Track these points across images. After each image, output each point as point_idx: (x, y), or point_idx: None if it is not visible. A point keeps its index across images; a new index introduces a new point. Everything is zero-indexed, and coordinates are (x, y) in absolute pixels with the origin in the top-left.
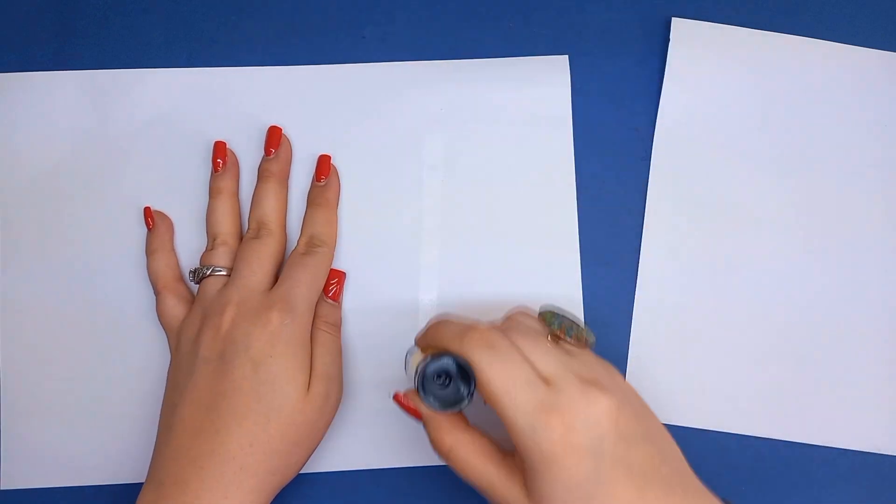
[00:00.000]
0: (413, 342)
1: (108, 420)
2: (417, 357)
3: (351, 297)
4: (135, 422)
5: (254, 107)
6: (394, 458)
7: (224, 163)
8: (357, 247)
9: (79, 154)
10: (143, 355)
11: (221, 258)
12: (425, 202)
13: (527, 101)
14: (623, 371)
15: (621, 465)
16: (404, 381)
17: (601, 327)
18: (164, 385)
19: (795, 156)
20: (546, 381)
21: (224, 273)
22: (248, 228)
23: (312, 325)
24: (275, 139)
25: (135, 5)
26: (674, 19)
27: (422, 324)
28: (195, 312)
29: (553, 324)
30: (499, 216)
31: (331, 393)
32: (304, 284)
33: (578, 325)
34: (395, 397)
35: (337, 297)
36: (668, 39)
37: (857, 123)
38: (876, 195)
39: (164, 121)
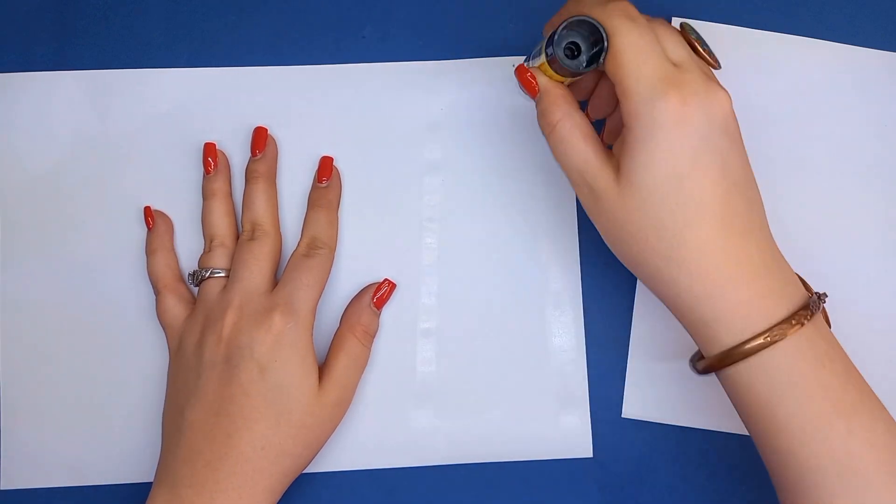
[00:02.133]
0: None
1: (108, 420)
2: (547, 33)
3: (351, 298)
4: (135, 422)
5: (254, 107)
6: (394, 458)
7: (215, 164)
8: (357, 247)
9: (79, 154)
10: (143, 355)
11: (220, 260)
12: (425, 202)
13: (527, 100)
14: (623, 371)
15: (719, 158)
16: (400, 387)
17: (601, 327)
18: (165, 385)
19: (795, 155)
20: (674, 64)
21: (223, 275)
22: (243, 230)
23: (348, 330)
24: (261, 140)
25: (135, 5)
26: (674, 19)
27: (422, 324)
28: (197, 315)
29: (692, 34)
30: (499, 216)
31: (343, 401)
32: (306, 286)
33: (712, 50)
34: (519, 68)
35: (381, 305)
36: None
37: (857, 123)
38: (876, 195)
39: (165, 121)
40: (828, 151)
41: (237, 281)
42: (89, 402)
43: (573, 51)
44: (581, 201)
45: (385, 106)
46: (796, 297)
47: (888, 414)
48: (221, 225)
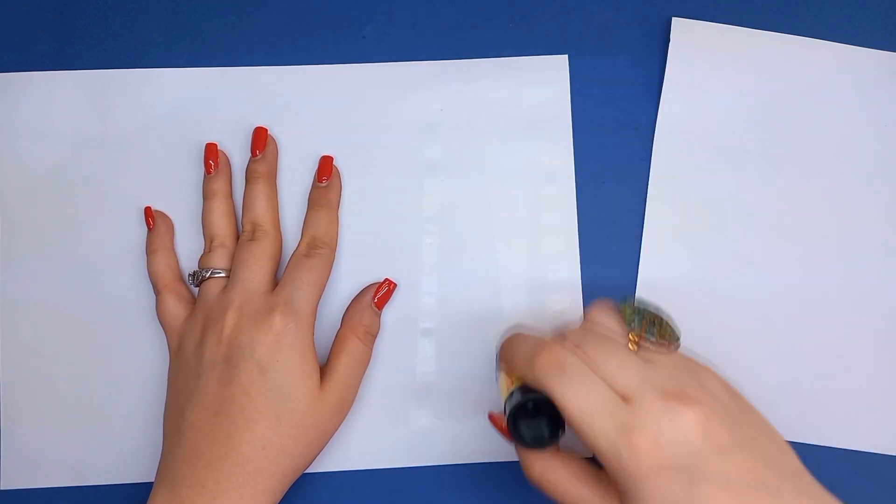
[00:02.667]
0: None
1: (108, 420)
2: (504, 380)
3: (351, 298)
4: (135, 422)
5: (254, 106)
6: (394, 458)
7: (216, 164)
8: (357, 247)
9: (79, 154)
10: (143, 355)
11: (220, 260)
12: (425, 202)
13: (526, 101)
14: None
15: (717, 479)
16: (400, 387)
17: None
18: (165, 385)
19: (795, 155)
20: (625, 398)
21: (223, 275)
22: (243, 230)
23: (350, 330)
24: (261, 140)
25: (135, 5)
26: (674, 19)
27: (422, 324)
28: (197, 315)
29: (633, 323)
30: (499, 216)
31: (345, 401)
32: (306, 286)
33: (661, 322)
34: (490, 417)
35: (381, 305)
36: (668, 39)
37: (857, 123)
38: (876, 195)
39: (165, 121)
40: (828, 151)
41: (237, 281)
42: (89, 402)
43: (534, 411)
44: None
45: (385, 106)
46: None
47: None
48: (222, 225)
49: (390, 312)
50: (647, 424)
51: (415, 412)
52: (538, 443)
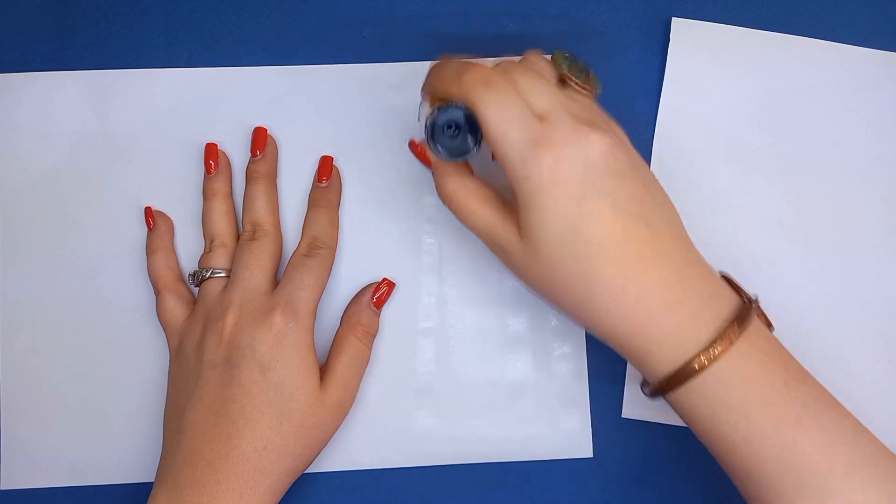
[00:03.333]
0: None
1: (108, 420)
2: (426, 107)
3: (351, 298)
4: (135, 422)
5: (254, 107)
6: (394, 458)
7: (216, 164)
8: (357, 247)
9: (79, 154)
10: (144, 355)
11: (220, 260)
12: (425, 202)
13: None
14: (623, 371)
15: (607, 198)
16: (400, 387)
17: None
18: (165, 385)
19: (795, 155)
20: (540, 117)
21: (223, 275)
22: (243, 230)
23: (349, 330)
24: (261, 140)
25: (135, 5)
26: (674, 19)
27: (422, 324)
28: (197, 315)
29: (563, 66)
30: None
31: (345, 401)
32: (306, 286)
33: (588, 71)
34: (410, 143)
35: (381, 305)
36: (668, 39)
37: (856, 123)
38: (875, 195)
39: (165, 121)
40: (828, 151)
41: (238, 281)
42: (89, 402)
43: (454, 131)
44: (497, 257)
45: (385, 106)
46: (725, 311)
47: (838, 410)
48: (222, 225)
49: (390, 312)
50: (555, 140)
51: (415, 412)
52: (455, 152)
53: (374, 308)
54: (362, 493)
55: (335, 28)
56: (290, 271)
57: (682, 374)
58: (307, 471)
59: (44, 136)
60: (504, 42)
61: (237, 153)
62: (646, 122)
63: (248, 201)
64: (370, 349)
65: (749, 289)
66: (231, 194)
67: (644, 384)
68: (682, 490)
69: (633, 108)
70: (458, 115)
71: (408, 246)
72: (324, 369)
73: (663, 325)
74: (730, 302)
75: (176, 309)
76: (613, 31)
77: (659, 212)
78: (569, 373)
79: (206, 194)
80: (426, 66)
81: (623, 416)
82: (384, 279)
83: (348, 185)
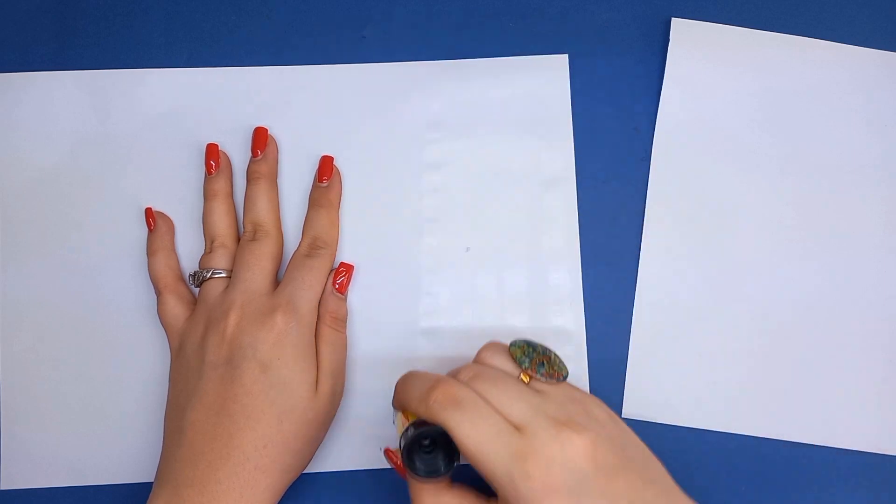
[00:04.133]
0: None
1: (108, 420)
2: (399, 419)
3: (351, 298)
4: (135, 422)
5: (254, 107)
6: None
7: (217, 165)
8: (357, 247)
9: (79, 154)
10: (144, 355)
11: (221, 260)
12: (425, 202)
13: (527, 100)
14: (623, 371)
15: (603, 498)
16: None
17: (601, 327)
18: (166, 385)
19: (795, 155)
20: (518, 428)
21: (224, 275)
22: (244, 231)
23: (318, 321)
24: (261, 140)
25: (135, 5)
26: (674, 19)
27: (422, 324)
28: (198, 316)
29: (523, 362)
30: (499, 215)
31: (337, 389)
32: (307, 286)
33: (550, 360)
34: (386, 453)
35: (344, 290)
36: (668, 39)
37: (857, 123)
38: (875, 195)
39: (165, 121)
40: (827, 151)
41: (239, 281)
42: (89, 402)
43: (429, 445)
44: None
45: (385, 106)
46: None
47: None
48: (222, 225)
49: (390, 312)
50: (539, 451)
51: None
52: (432, 474)
53: (338, 294)
54: (362, 493)
55: (335, 28)
56: (291, 271)
57: None
58: (307, 471)
59: (44, 136)
60: (504, 42)
61: (237, 153)
62: (646, 122)
63: (248, 201)
64: (344, 334)
65: (749, 288)
66: (232, 195)
67: None
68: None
69: (633, 108)
70: (430, 432)
71: (407, 246)
72: None
73: None
74: None
75: (176, 309)
76: (613, 31)
77: (653, 488)
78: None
79: (207, 195)
80: (426, 66)
81: (623, 416)
82: (342, 263)
83: (348, 185)
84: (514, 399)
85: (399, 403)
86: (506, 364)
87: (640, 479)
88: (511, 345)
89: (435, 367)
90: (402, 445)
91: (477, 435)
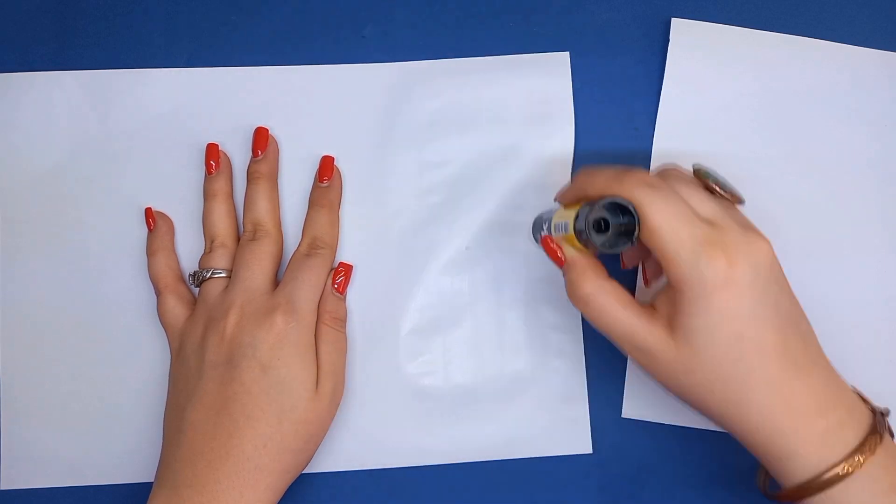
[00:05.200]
0: (553, 203)
1: (108, 420)
2: (563, 213)
3: (351, 298)
4: (135, 422)
5: (254, 107)
6: (394, 458)
7: (217, 165)
8: (357, 246)
9: (79, 154)
10: (144, 355)
11: (221, 260)
12: (425, 201)
13: (528, 98)
14: (623, 371)
15: (773, 306)
16: (400, 387)
17: None
18: (166, 385)
19: (795, 155)
20: (707, 221)
21: (224, 275)
22: (244, 231)
23: (318, 321)
24: (262, 140)
25: (135, 5)
26: (674, 19)
27: (422, 323)
28: (198, 316)
29: (708, 177)
30: (499, 215)
31: (337, 389)
32: (307, 286)
33: (727, 185)
34: (544, 239)
35: (343, 290)
36: (668, 39)
37: (856, 123)
38: (875, 194)
39: (165, 121)
40: (827, 151)
41: (239, 281)
42: (89, 402)
43: (601, 225)
44: (630, 357)
45: (385, 106)
46: (864, 422)
47: None
48: (222, 225)
49: (390, 312)
50: (727, 243)
51: (414, 411)
52: (612, 245)
53: (337, 294)
54: (362, 493)
55: (335, 28)
56: (291, 271)
57: (824, 480)
58: (307, 471)
59: (44, 135)
60: (505, 42)
61: (237, 153)
62: (646, 122)
63: (249, 201)
64: (344, 334)
65: None
66: (232, 195)
67: (768, 485)
68: (682, 490)
69: (633, 108)
70: (607, 210)
71: (408, 246)
72: None
73: (811, 428)
74: (867, 413)
75: (176, 309)
76: (613, 31)
77: (805, 324)
78: (567, 370)
79: (207, 195)
80: (426, 65)
81: (623, 415)
82: (341, 263)
83: (348, 185)
84: (704, 199)
85: (579, 189)
86: (693, 179)
87: (798, 308)
88: (694, 166)
89: (436, 367)
90: (577, 217)
91: (669, 214)
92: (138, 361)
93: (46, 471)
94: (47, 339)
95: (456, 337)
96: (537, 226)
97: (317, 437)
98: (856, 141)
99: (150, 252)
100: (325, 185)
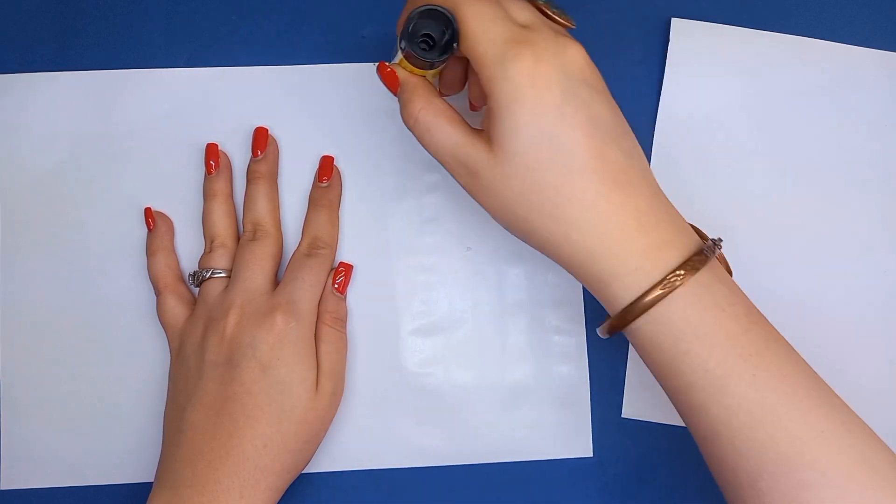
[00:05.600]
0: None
1: (108, 420)
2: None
3: (352, 298)
4: (135, 422)
5: (254, 106)
6: (394, 458)
7: (217, 165)
8: (357, 247)
9: (79, 154)
10: (144, 355)
11: (220, 260)
12: (425, 202)
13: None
14: (623, 371)
15: (584, 109)
16: (400, 388)
17: None
18: (166, 385)
19: (795, 155)
20: (521, 25)
21: (224, 275)
22: (244, 231)
23: (318, 321)
24: (261, 140)
25: (135, 5)
26: (674, 19)
27: (422, 323)
28: (198, 316)
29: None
30: None
31: (337, 389)
32: (307, 286)
33: (562, 10)
34: (380, 66)
35: (343, 290)
36: (668, 39)
37: (856, 123)
38: (874, 194)
39: (165, 121)
40: (827, 151)
41: (239, 281)
42: (89, 402)
43: (428, 43)
44: (461, 184)
45: (385, 106)
46: (690, 245)
47: (798, 356)
48: (222, 225)
49: (390, 312)
50: (535, 42)
51: (415, 412)
52: (431, 57)
53: (338, 294)
54: (362, 493)
55: (335, 28)
56: (291, 271)
57: (647, 301)
58: (307, 471)
59: (44, 136)
60: None
61: (237, 153)
62: (646, 122)
63: (248, 201)
64: (345, 334)
65: (748, 287)
66: (232, 195)
67: (602, 323)
68: (682, 490)
69: (633, 108)
70: (438, 21)
71: (408, 246)
72: None
73: (631, 245)
74: (695, 238)
75: (176, 309)
76: (613, 31)
77: (630, 141)
78: (569, 373)
79: (207, 195)
80: None
81: (623, 416)
82: (341, 263)
83: (348, 185)
84: (524, 8)
85: (407, 9)
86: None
87: (620, 122)
88: None
89: (436, 367)
90: (402, 36)
91: (482, 14)
92: (138, 361)
93: (46, 471)
94: (47, 339)
95: (457, 338)
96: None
97: (317, 437)
98: (855, 141)
99: (150, 252)
100: (325, 184)
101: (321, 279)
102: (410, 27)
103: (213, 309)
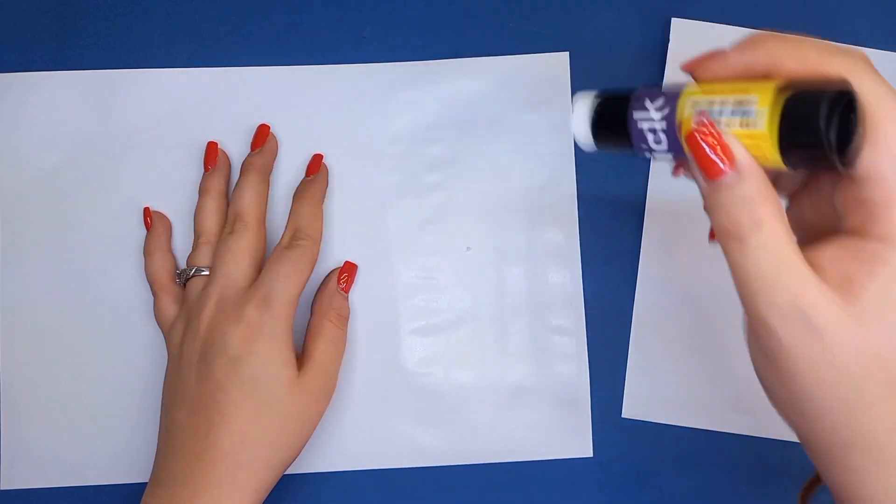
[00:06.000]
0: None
1: (108, 420)
2: (720, 92)
3: (352, 297)
4: (135, 422)
5: (253, 107)
6: (394, 458)
7: (214, 162)
8: (357, 246)
9: (79, 154)
10: (143, 355)
11: (204, 258)
12: (425, 202)
13: (528, 98)
14: (623, 371)
15: None
16: (399, 387)
17: (601, 327)
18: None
19: None
20: None
21: (207, 272)
22: (227, 224)
23: (321, 317)
24: (262, 136)
25: (135, 5)
26: (674, 19)
27: (422, 323)
28: (182, 314)
29: None
30: (499, 216)
31: (328, 386)
32: (283, 277)
33: None
34: (697, 130)
35: (347, 289)
36: (668, 39)
37: None
38: None
39: (165, 121)
40: None
41: (216, 277)
42: (89, 402)
43: (842, 133)
44: (763, 353)
45: (385, 106)
46: None
47: None
48: (210, 223)
49: (389, 312)
50: None
51: (414, 412)
52: (842, 143)
53: (343, 293)
54: (362, 493)
55: (335, 28)
56: (269, 264)
57: None
58: (307, 471)
59: (44, 136)
60: (505, 42)
61: (237, 153)
62: None
63: (236, 191)
64: (345, 332)
65: None
66: (225, 193)
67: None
68: (682, 490)
69: None
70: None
71: (408, 246)
72: (303, 357)
73: None
74: None
75: (170, 310)
76: (613, 31)
77: None
78: (569, 372)
79: (200, 191)
80: (426, 65)
81: (623, 416)
82: (346, 262)
83: (348, 185)
84: None
85: (757, 59)
86: None
87: None
88: None
89: (436, 367)
90: (820, 118)
91: None
92: (138, 361)
93: (46, 471)
94: (47, 339)
95: (457, 338)
96: (607, 107)
97: (301, 434)
98: None
99: (147, 252)
100: (310, 179)
101: (300, 271)
102: (832, 110)
103: (192, 307)
